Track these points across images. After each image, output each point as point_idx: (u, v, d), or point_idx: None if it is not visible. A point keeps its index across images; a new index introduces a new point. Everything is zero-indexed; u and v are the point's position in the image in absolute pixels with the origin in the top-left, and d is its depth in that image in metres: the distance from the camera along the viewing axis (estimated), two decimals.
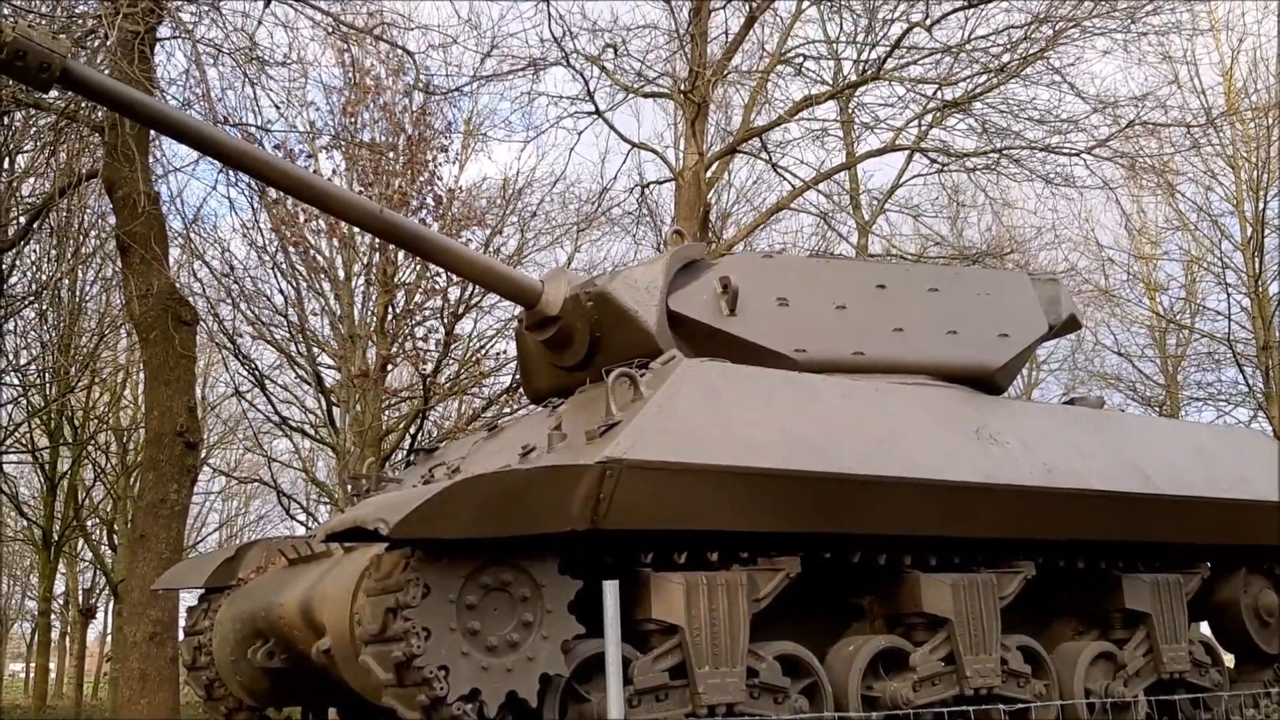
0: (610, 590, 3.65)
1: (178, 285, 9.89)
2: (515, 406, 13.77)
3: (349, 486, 6.20)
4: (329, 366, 14.55)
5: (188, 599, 6.27)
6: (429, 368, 14.99)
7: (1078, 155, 13.80)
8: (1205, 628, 7.25)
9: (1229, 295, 17.20)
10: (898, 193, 16.67)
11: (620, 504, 4.31)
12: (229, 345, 14.32)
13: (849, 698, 5.13)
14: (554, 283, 5.98)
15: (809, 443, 5.02)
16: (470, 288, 13.15)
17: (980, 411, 5.92)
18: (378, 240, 11.32)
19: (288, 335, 13.65)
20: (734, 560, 4.92)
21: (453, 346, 14.41)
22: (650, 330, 5.62)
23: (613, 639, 3.60)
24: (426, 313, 14.48)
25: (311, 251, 12.55)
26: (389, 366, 14.76)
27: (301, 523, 17.96)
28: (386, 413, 14.94)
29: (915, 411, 5.62)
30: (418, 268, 13.23)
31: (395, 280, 13.56)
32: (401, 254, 12.56)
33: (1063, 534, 5.78)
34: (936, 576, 5.49)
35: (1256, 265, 16.38)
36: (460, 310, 13.93)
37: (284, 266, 12.92)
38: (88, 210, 14.05)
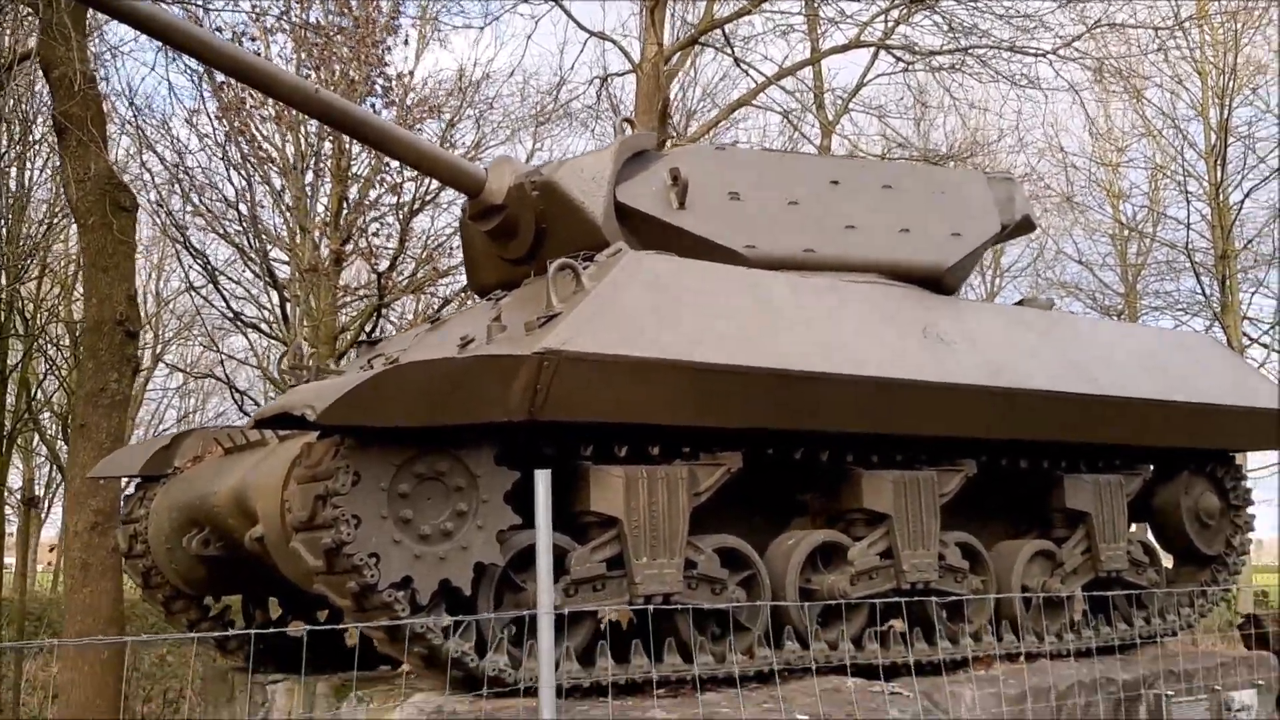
0: (541, 479, 3.60)
1: (116, 169, 9.61)
2: (474, 305, 13.63)
3: (289, 376, 6.08)
4: (282, 261, 14.31)
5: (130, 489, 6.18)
6: (384, 264, 14.75)
7: (1044, 56, 13.64)
8: (1148, 531, 7.38)
9: (1189, 203, 17.22)
10: (863, 93, 16.47)
11: (558, 396, 4.24)
12: (179, 238, 14.04)
13: (786, 590, 5.17)
14: (498, 171, 5.83)
15: (755, 338, 4.95)
16: (426, 183, 12.91)
17: (929, 311, 5.87)
18: (327, 128, 11.02)
19: (240, 229, 13.40)
20: (676, 455, 4.89)
21: (409, 243, 14.22)
22: (597, 222, 5.50)
23: (543, 527, 3.57)
24: (383, 208, 14.22)
25: (260, 140, 12.22)
26: (342, 262, 14.53)
27: None
28: (342, 311, 14.78)
29: (863, 310, 5.57)
30: (372, 160, 12.96)
31: (349, 171, 13.28)
32: (357, 146, 12.28)
33: (1007, 433, 5.79)
34: (878, 473, 5.49)
35: (1218, 174, 16.37)
36: (416, 205, 13.71)
37: (232, 156, 12.61)
38: (34, 95, 13.62)
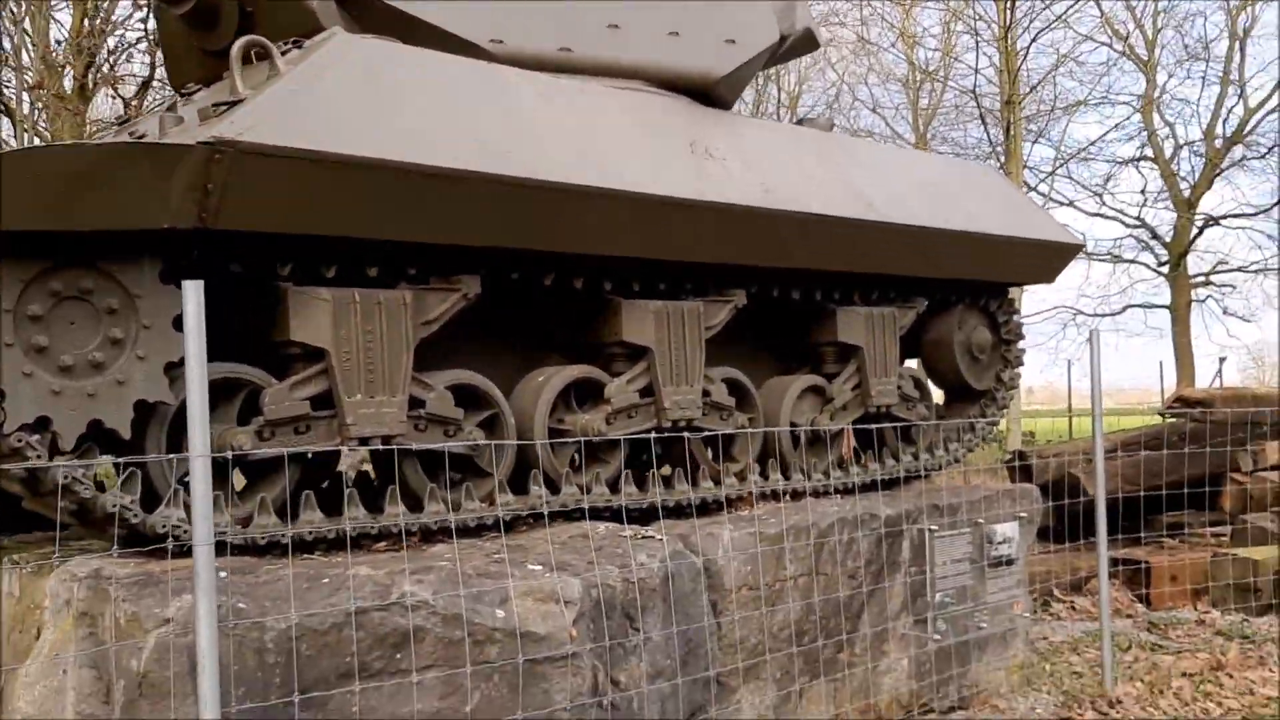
0: (192, 293, 2.90)
1: None
2: None
3: None
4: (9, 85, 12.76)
5: None
6: (130, 90, 13.43)
7: None
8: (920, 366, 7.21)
9: (978, 47, 17.21)
10: None
11: (237, 199, 3.49)
12: None
13: (535, 430, 4.66)
14: None
15: (494, 143, 4.28)
16: None
17: (697, 124, 5.32)
18: None
19: None
20: (400, 277, 4.24)
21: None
22: (310, 3, 4.65)
23: (194, 354, 2.88)
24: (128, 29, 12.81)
25: None
26: (88, 91, 13.11)
27: None
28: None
29: (623, 118, 4.96)
30: None
31: None
32: None
33: (778, 260, 5.36)
34: (639, 303, 5.00)
35: (1008, 17, 16.33)
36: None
37: None
38: None
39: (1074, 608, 8.39)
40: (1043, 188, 17.73)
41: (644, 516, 4.96)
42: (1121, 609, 8.35)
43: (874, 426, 5.78)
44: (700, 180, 4.94)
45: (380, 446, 4.02)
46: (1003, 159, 16.77)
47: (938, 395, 7.39)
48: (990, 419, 7.00)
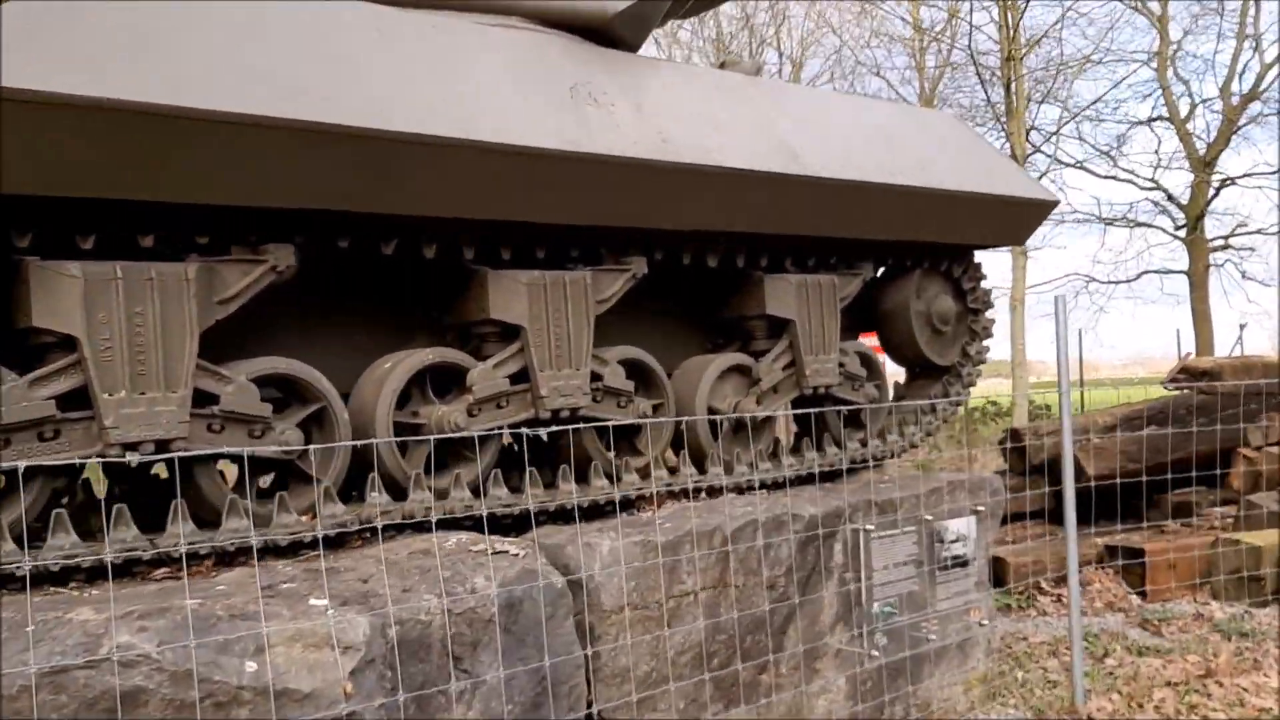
0: None
1: None
2: None
3: None
4: None
5: None
6: None
7: None
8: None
9: (972, 4, 16.30)
10: None
11: None
12: None
13: (376, 426, 3.94)
14: None
15: (311, 85, 3.55)
16: None
17: (584, 66, 4.57)
18: None
19: None
20: (189, 248, 3.53)
21: None
22: None
23: None
24: None
25: None
26: None
27: None
28: None
29: (486, 58, 4.22)
30: None
31: None
32: None
33: (682, 223, 4.62)
34: (509, 274, 4.27)
35: None
36: None
37: None
38: None
39: (1061, 601, 7.62)
40: (1048, 148, 16.86)
41: (523, 524, 4.26)
42: (1115, 601, 7.58)
43: (802, 411, 5.04)
44: (577, 129, 4.20)
45: (155, 456, 3.31)
46: (1003, 119, 15.87)
47: (898, 372, 6.65)
48: (953, 399, 6.23)
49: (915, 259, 6.00)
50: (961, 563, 5.10)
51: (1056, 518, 9.42)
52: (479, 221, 4.10)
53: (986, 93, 16.21)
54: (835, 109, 5.63)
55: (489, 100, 4.03)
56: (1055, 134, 16.81)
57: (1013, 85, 15.54)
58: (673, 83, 4.92)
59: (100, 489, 3.89)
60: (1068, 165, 17.75)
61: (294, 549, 3.65)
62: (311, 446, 3.68)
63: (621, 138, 4.32)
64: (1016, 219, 6.10)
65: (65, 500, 3.57)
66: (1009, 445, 9.93)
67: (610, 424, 4.47)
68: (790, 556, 4.52)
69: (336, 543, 3.73)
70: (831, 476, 5.40)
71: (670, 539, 4.11)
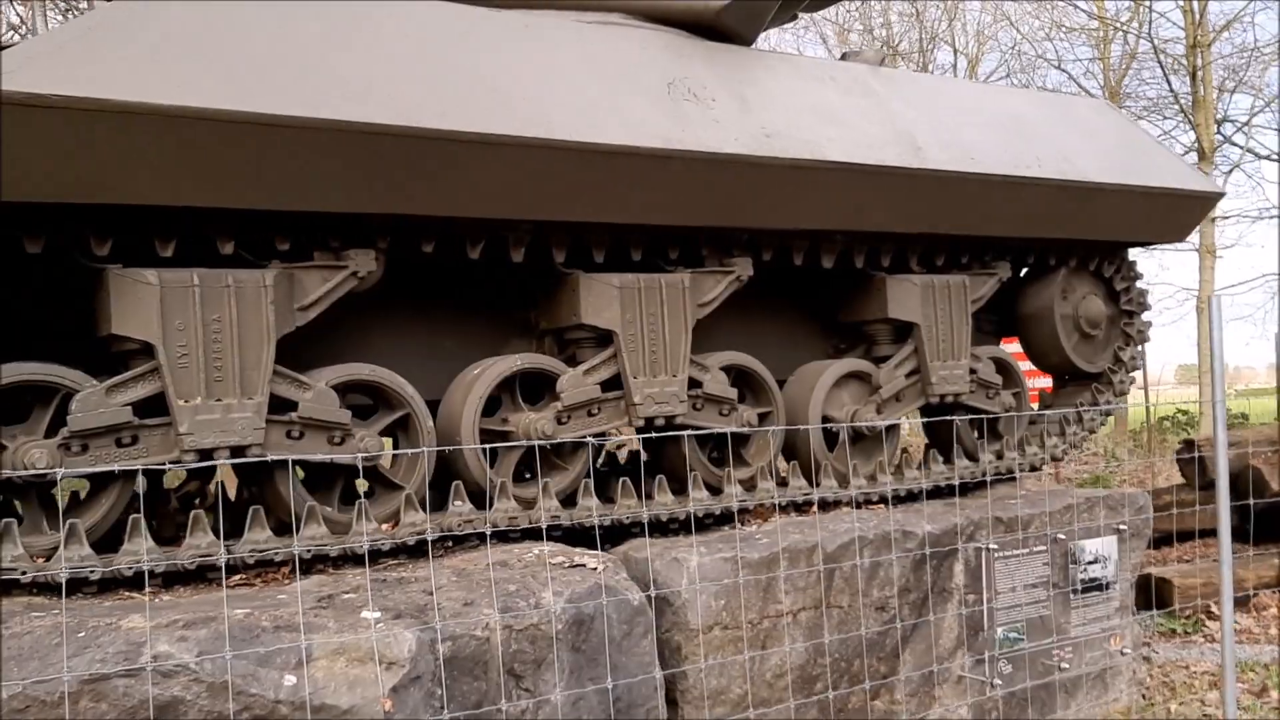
0: None
1: None
2: None
3: None
4: None
5: None
6: None
7: None
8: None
9: None
10: None
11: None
12: None
13: (462, 433, 3.87)
14: None
15: (399, 90, 3.49)
16: None
17: (687, 61, 4.40)
18: None
19: None
20: (271, 254, 3.54)
21: None
22: None
23: None
24: None
25: None
26: None
27: None
28: None
29: (578, 56, 4.10)
30: None
31: None
32: None
33: (790, 221, 4.40)
34: (601, 277, 4.14)
35: None
36: None
37: None
38: None
39: (1234, 628, 6.98)
40: (1240, 140, 15.65)
41: (616, 536, 4.13)
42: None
43: (935, 419, 4.74)
44: (669, 125, 4.04)
45: (237, 460, 3.31)
46: (1186, 107, 14.84)
47: (1044, 382, 6.22)
48: (1102, 408, 5.77)
49: (1060, 257, 5.59)
50: (1100, 586, 4.69)
51: (1241, 536, 8.70)
52: (569, 223, 3.99)
53: (1170, 82, 15.20)
54: (965, 98, 5.29)
55: (567, 98, 3.90)
56: (1246, 124, 15.60)
57: (1199, 74, 14.51)
58: (783, 76, 4.70)
59: (177, 494, 3.95)
60: (1263, 158, 16.45)
61: (375, 556, 3.61)
62: (389, 452, 3.64)
63: (720, 133, 4.14)
64: (1174, 213, 5.61)
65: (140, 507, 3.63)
66: (1184, 456, 9.25)
67: (701, 433, 4.29)
68: (903, 576, 4.23)
69: (417, 551, 3.68)
70: (967, 490, 5.07)
71: (764, 555, 3.89)
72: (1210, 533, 9.11)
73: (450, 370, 4.14)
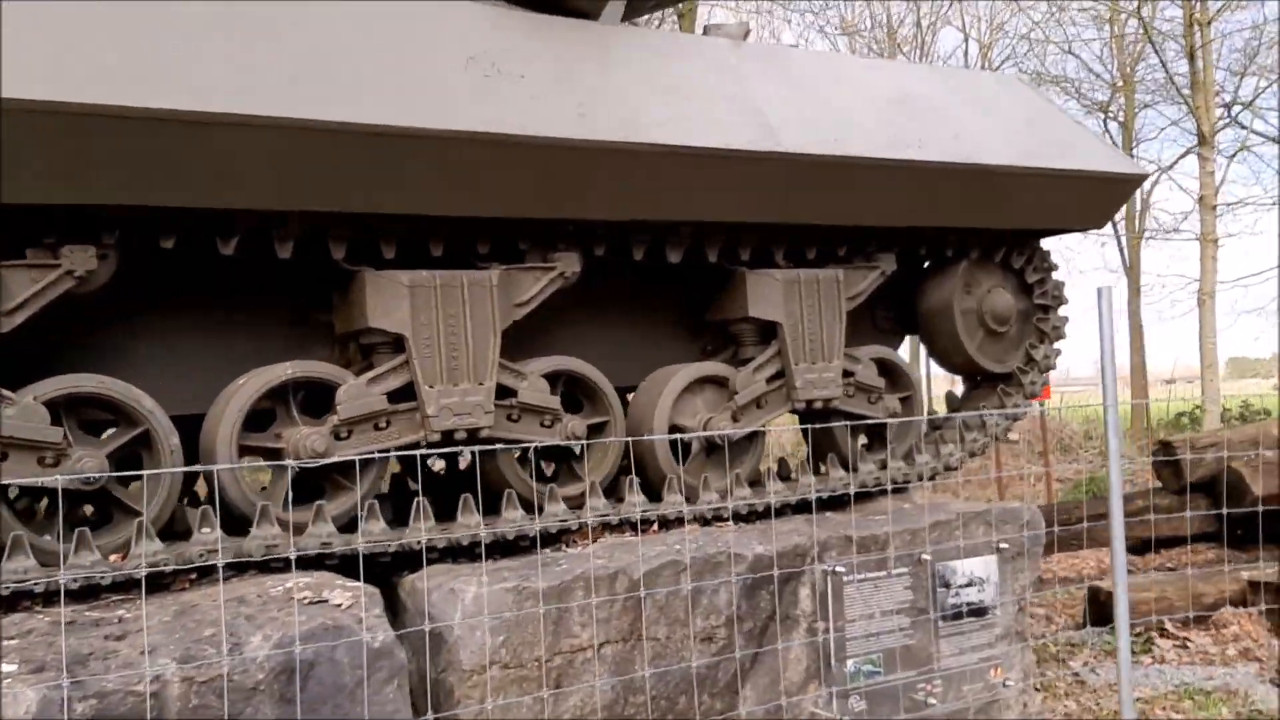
0: None
1: None
2: None
3: None
4: None
5: None
6: None
7: None
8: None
9: None
10: None
11: None
12: None
13: (217, 450, 3.47)
14: None
15: (140, 68, 3.11)
16: None
17: (503, 34, 3.96)
18: None
19: None
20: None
21: None
22: None
23: None
24: None
25: None
26: None
27: None
28: None
29: (352, 28, 3.68)
30: None
31: None
32: None
33: (614, 212, 3.97)
34: (385, 275, 3.73)
35: None
36: None
37: None
38: None
39: (1186, 646, 6.47)
40: (1244, 121, 14.95)
41: (417, 564, 3.72)
42: (1252, 649, 6.38)
43: (808, 426, 4.31)
44: (465, 104, 3.62)
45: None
46: (1186, 93, 14.19)
47: (953, 384, 5.74)
48: (1012, 410, 5.28)
49: (959, 248, 5.11)
50: (978, 611, 4.22)
51: (1233, 543, 8.18)
52: (342, 215, 3.59)
53: (1163, 62, 14.55)
54: (847, 76, 4.83)
55: (359, 76, 3.49)
56: (1249, 104, 14.91)
57: (1197, 55, 13.86)
58: (629, 52, 4.27)
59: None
60: (1271, 139, 15.72)
61: (96, 591, 3.23)
62: (110, 474, 3.25)
63: (523, 113, 3.71)
64: (1089, 198, 5.13)
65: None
66: (1160, 459, 8.74)
67: (507, 448, 3.89)
68: (733, 604, 3.79)
69: (158, 585, 3.29)
70: (840, 504, 4.62)
71: (556, 584, 3.47)
72: (1199, 538, 8.61)
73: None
